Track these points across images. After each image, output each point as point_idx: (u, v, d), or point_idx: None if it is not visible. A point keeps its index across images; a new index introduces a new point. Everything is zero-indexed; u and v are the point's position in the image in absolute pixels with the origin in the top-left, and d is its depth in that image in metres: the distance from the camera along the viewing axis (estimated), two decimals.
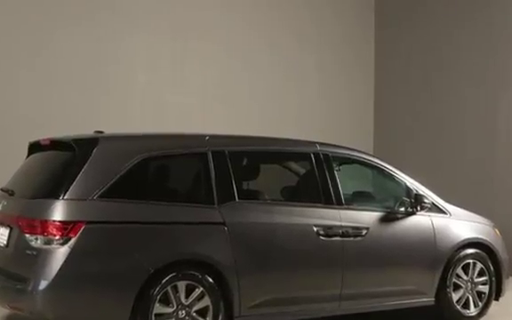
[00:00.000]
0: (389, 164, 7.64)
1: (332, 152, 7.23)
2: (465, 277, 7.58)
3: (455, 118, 11.76)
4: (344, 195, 7.09)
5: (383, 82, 12.94)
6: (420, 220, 7.41)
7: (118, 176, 6.06)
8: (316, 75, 12.48)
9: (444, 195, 7.82)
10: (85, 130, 7.03)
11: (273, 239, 6.62)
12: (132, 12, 10.74)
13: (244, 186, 6.94)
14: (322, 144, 7.28)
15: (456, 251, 7.56)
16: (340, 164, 7.31)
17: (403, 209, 7.35)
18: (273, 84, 11.95)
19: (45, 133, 6.91)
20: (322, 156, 7.10)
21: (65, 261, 5.68)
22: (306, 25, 12.42)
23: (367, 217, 7.13)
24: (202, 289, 6.15)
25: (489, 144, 11.12)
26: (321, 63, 12.54)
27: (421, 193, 7.46)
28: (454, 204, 7.80)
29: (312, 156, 7.11)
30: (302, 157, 7.30)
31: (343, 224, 6.92)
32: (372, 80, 13.07)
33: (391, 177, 7.56)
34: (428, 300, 7.44)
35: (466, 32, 11.64)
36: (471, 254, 7.65)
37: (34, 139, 6.88)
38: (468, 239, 7.67)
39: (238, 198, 6.50)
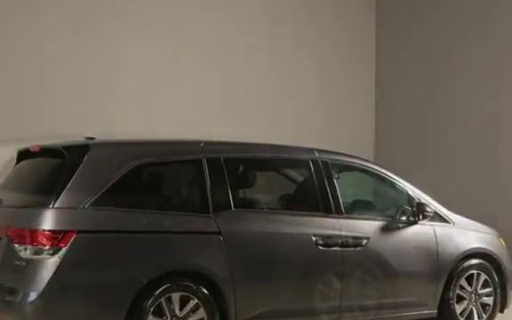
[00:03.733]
0: (391, 170, 7.48)
1: (331, 159, 7.08)
2: (469, 289, 7.42)
3: (460, 122, 11.60)
4: (344, 203, 6.94)
5: (385, 85, 12.80)
6: (423, 230, 7.23)
7: (110, 184, 5.92)
8: (315, 78, 12.34)
9: (447, 202, 7.67)
10: (76, 136, 6.88)
11: (270, 249, 6.46)
12: (124, 13, 10.70)
13: (241, 194, 6.80)
14: (320, 151, 7.12)
15: (459, 261, 7.40)
16: (340, 172, 7.16)
17: (404, 218, 7.20)
18: (271, 87, 11.87)
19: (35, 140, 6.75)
20: (321, 163, 6.95)
21: (55, 272, 5.55)
22: (305, 27, 12.28)
23: (367, 226, 6.96)
24: (197, 301, 5.99)
25: (495, 150, 10.97)
26: (320, 66, 12.41)
27: (424, 201, 7.30)
28: (458, 213, 7.64)
29: (310, 163, 6.94)
30: (300, 165, 7.14)
31: (343, 233, 6.75)
32: (373, 83, 12.93)
33: (392, 185, 7.41)
34: (431, 311, 7.28)
35: (472, 34, 11.48)
36: (475, 265, 7.48)
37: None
38: (472, 249, 7.50)
39: (234, 207, 6.35)
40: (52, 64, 9.95)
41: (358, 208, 7.22)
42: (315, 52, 12.36)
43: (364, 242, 6.85)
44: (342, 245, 6.71)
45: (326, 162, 6.99)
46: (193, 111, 11.07)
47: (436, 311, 7.29)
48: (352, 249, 6.77)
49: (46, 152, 6.35)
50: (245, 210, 6.52)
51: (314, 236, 6.60)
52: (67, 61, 10.06)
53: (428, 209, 7.24)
